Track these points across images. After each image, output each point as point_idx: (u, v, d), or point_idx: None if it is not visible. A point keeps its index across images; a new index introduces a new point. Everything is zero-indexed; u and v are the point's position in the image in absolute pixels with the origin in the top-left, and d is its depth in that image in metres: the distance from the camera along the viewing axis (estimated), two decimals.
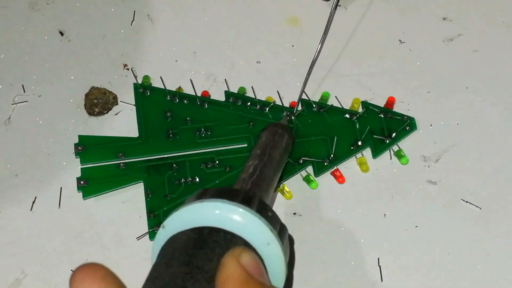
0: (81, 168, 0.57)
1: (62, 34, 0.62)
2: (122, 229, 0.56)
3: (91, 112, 0.59)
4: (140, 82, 0.59)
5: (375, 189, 0.56)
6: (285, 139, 0.54)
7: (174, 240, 0.44)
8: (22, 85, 0.60)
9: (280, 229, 0.45)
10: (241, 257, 0.41)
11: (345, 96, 0.59)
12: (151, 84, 0.59)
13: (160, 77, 0.59)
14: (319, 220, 0.56)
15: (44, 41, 0.62)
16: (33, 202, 0.57)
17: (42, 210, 0.56)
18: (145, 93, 0.59)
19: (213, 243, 0.43)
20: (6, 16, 0.63)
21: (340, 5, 0.62)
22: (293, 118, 0.57)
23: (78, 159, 0.58)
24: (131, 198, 0.56)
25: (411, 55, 0.60)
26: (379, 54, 0.61)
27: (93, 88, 0.60)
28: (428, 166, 0.57)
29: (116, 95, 0.60)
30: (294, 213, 0.56)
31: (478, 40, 0.60)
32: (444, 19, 0.61)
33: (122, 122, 0.59)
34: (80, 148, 0.57)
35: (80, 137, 0.57)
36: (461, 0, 0.62)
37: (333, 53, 0.61)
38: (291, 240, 0.52)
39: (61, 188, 0.57)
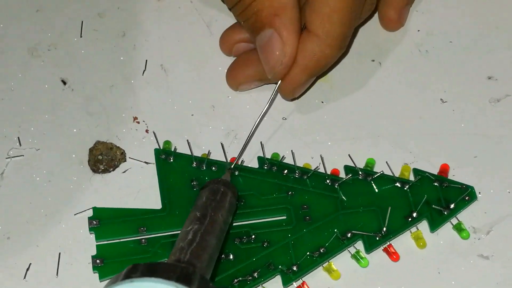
0: (96, 245, 0.50)
1: (64, 83, 0.56)
2: None
3: (95, 169, 0.53)
4: (161, 145, 0.53)
5: (419, 263, 0.50)
6: (228, 199, 0.48)
7: None
8: (18, 138, 0.54)
9: None
10: None
11: (382, 158, 0.53)
12: (176, 149, 0.53)
13: (187, 140, 0.53)
14: None
15: (44, 90, 0.56)
16: (27, 269, 0.50)
17: (37, 279, 0.50)
18: (168, 160, 0.52)
19: None
20: (2, 62, 0.56)
21: (373, 60, 0.56)
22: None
23: (80, 222, 0.52)
24: None
25: (455, 116, 0.55)
26: (419, 114, 0.55)
27: (98, 142, 0.54)
28: (479, 239, 0.51)
29: (124, 151, 0.54)
30: None
31: None
32: (490, 78, 0.56)
33: (131, 181, 0.53)
34: (95, 222, 0.50)
35: (94, 209, 0.51)
36: (507, 58, 0.56)
37: (368, 110, 0.55)
38: None
39: (59, 254, 0.51)
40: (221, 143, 0.53)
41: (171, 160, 0.53)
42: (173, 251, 0.43)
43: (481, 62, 0.56)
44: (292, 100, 0.55)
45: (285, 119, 0.55)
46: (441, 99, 0.55)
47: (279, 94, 0.54)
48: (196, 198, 0.48)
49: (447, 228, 0.51)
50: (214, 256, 0.44)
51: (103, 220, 0.51)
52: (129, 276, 0.39)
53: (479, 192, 0.52)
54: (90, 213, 0.51)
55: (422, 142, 0.54)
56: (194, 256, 0.42)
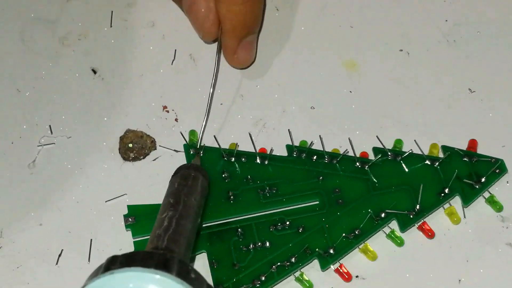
0: (134, 242, 0.51)
1: (95, 72, 0.56)
2: None
3: (126, 157, 0.53)
4: (186, 137, 0.53)
5: (448, 252, 0.51)
6: (199, 182, 0.48)
7: None
8: (49, 126, 0.54)
9: None
10: None
11: (410, 147, 0.53)
12: (204, 145, 0.53)
13: (214, 136, 0.53)
14: (384, 285, 0.49)
15: (74, 79, 0.56)
16: (59, 255, 0.51)
17: (69, 265, 0.51)
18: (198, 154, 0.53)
19: None
20: (34, 51, 0.57)
21: (401, 50, 0.57)
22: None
23: (111, 208, 0.52)
24: None
25: (483, 105, 0.55)
26: (447, 103, 0.55)
27: (128, 131, 0.54)
28: (507, 227, 0.51)
29: (154, 139, 0.54)
30: (357, 276, 0.50)
31: None
32: None
33: (161, 169, 0.53)
34: (130, 219, 0.51)
35: (129, 207, 0.51)
36: None
37: (396, 100, 0.55)
38: None
39: (91, 240, 0.51)
40: (249, 133, 0.53)
41: (201, 155, 0.53)
42: (150, 239, 0.44)
43: (509, 52, 0.56)
44: (247, 67, 0.56)
45: (313, 108, 0.55)
46: (469, 89, 0.55)
47: None
48: (168, 185, 0.48)
49: (478, 207, 0.51)
50: (191, 240, 0.45)
51: (139, 217, 0.51)
52: (109, 268, 0.39)
53: (507, 182, 0.52)
54: (121, 200, 0.52)
55: (450, 132, 0.54)
56: (172, 242, 0.43)
